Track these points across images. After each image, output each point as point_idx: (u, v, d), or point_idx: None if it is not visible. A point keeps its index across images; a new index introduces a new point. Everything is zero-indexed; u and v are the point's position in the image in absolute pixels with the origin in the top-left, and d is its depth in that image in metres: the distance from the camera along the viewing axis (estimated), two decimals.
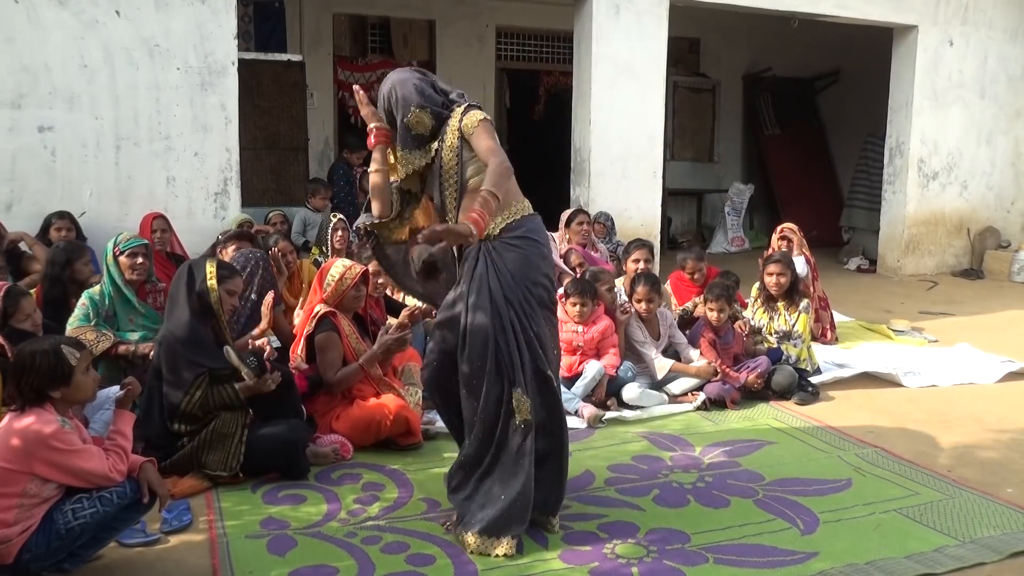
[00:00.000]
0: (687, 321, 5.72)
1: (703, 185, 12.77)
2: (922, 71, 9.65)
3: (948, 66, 9.80)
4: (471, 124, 3.25)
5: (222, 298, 3.89)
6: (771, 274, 5.50)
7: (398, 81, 3.41)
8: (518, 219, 3.29)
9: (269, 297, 4.34)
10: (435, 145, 3.35)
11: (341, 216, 6.51)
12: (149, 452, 3.71)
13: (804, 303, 5.53)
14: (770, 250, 6.66)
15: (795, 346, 5.41)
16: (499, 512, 3.18)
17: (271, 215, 7.21)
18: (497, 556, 3.14)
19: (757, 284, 5.70)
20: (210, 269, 3.89)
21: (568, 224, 6.82)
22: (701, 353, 5.23)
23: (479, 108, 3.35)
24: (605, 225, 7.75)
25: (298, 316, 4.81)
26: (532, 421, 3.20)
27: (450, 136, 3.30)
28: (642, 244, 6.17)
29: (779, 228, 6.79)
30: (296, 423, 3.98)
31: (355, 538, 3.32)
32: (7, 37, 5.97)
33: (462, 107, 3.34)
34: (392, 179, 3.49)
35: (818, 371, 5.52)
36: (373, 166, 3.46)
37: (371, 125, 3.47)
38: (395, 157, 3.46)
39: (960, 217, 10.23)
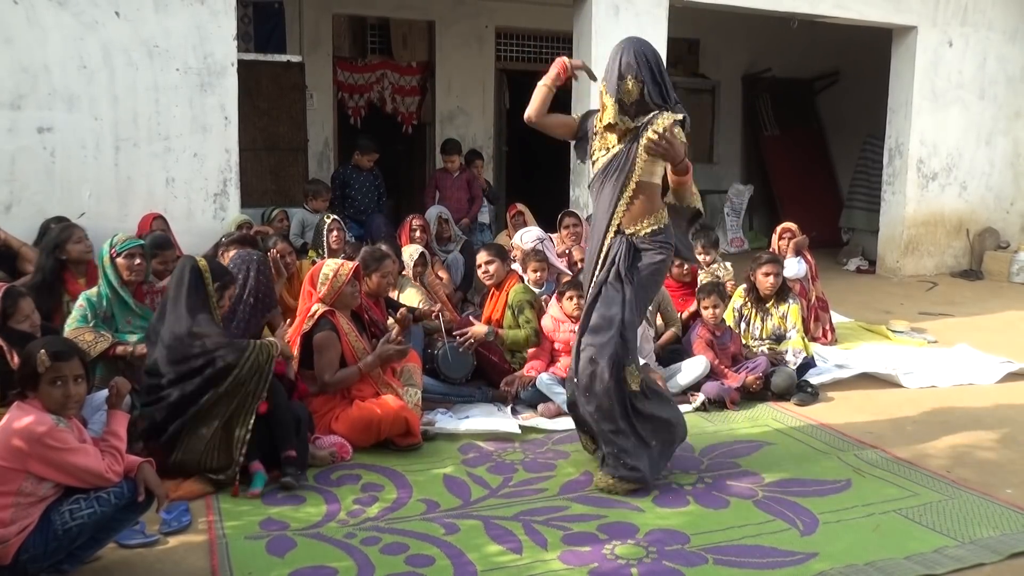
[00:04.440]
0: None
1: (702, 186, 12.56)
2: (921, 72, 9.65)
3: (947, 67, 9.80)
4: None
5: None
6: (767, 274, 5.48)
7: (625, 48, 3.68)
8: (661, 227, 3.76)
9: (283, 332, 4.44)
10: (628, 123, 3.68)
11: (335, 217, 6.49)
12: (150, 449, 3.72)
13: (791, 296, 5.54)
14: (770, 250, 6.64)
15: (791, 338, 5.40)
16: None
17: (275, 212, 7.21)
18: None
19: (743, 287, 5.69)
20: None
21: (558, 226, 6.80)
22: (695, 352, 5.22)
23: (683, 125, 3.69)
24: None
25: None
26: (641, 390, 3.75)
27: (646, 134, 3.62)
28: None
29: (779, 228, 6.78)
30: (297, 406, 4.00)
31: (354, 539, 3.32)
32: (6, 38, 5.97)
33: (671, 118, 3.64)
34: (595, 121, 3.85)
35: (813, 362, 5.49)
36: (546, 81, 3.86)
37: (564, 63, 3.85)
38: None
39: (959, 218, 10.24)
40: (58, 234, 4.97)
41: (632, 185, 3.68)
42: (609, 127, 3.72)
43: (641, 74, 3.61)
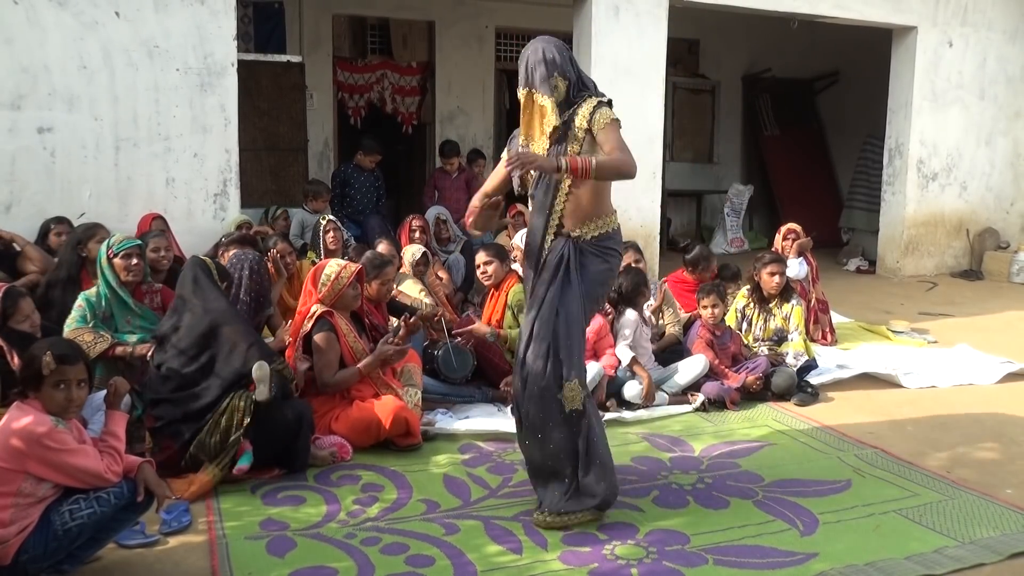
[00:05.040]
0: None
1: (702, 186, 12.77)
2: (921, 72, 9.65)
3: (947, 67, 9.80)
4: (602, 122, 3.33)
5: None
6: (773, 274, 5.47)
7: (545, 46, 3.44)
8: (609, 231, 3.50)
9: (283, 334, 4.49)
10: (562, 117, 3.41)
11: (331, 217, 6.48)
12: (165, 440, 3.75)
13: (794, 297, 5.54)
14: (773, 249, 6.63)
15: (793, 340, 5.39)
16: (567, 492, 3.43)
17: (278, 212, 7.21)
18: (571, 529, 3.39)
19: (747, 287, 5.68)
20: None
21: None
22: (694, 352, 5.21)
23: (610, 106, 3.41)
24: None
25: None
26: (583, 409, 3.42)
27: (577, 127, 3.37)
28: (628, 246, 6.17)
29: (784, 228, 6.77)
30: (300, 403, 4.02)
31: (354, 539, 3.32)
32: (6, 38, 5.97)
33: (594, 100, 3.39)
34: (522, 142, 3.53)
35: (815, 363, 5.49)
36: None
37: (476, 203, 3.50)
38: (538, 121, 3.43)
39: (959, 218, 10.24)
40: (83, 231, 5.00)
41: (567, 179, 3.39)
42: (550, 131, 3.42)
43: (567, 71, 3.42)
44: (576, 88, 3.45)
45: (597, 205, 3.46)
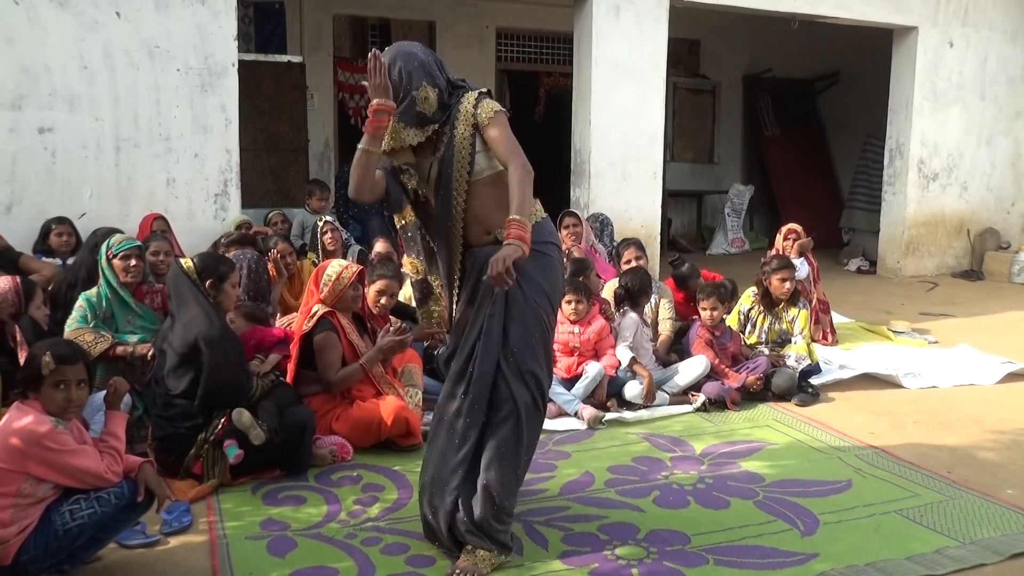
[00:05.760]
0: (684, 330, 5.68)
1: (703, 186, 12.78)
2: (922, 72, 9.65)
3: (948, 67, 9.80)
4: (486, 115, 3.02)
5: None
6: (784, 280, 5.45)
7: (405, 52, 3.09)
8: (538, 220, 3.17)
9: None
10: (433, 127, 3.10)
11: (328, 219, 6.47)
12: (162, 454, 3.75)
13: (800, 301, 5.53)
14: (773, 250, 6.63)
15: (796, 343, 5.39)
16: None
17: (271, 215, 7.22)
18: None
19: (752, 290, 5.67)
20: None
21: (558, 226, 6.77)
22: (694, 352, 5.21)
23: (491, 96, 3.11)
24: (592, 227, 7.72)
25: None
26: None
27: (462, 126, 3.05)
28: (631, 243, 6.18)
29: (784, 229, 6.76)
30: (303, 411, 4.02)
31: (355, 539, 3.32)
32: (7, 38, 5.97)
33: (473, 94, 3.09)
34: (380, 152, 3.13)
35: (818, 368, 5.50)
36: (364, 144, 3.02)
37: (376, 101, 2.97)
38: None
39: (960, 218, 10.24)
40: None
41: (465, 177, 3.06)
42: (420, 147, 3.10)
43: (435, 77, 3.08)
44: (448, 91, 3.12)
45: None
